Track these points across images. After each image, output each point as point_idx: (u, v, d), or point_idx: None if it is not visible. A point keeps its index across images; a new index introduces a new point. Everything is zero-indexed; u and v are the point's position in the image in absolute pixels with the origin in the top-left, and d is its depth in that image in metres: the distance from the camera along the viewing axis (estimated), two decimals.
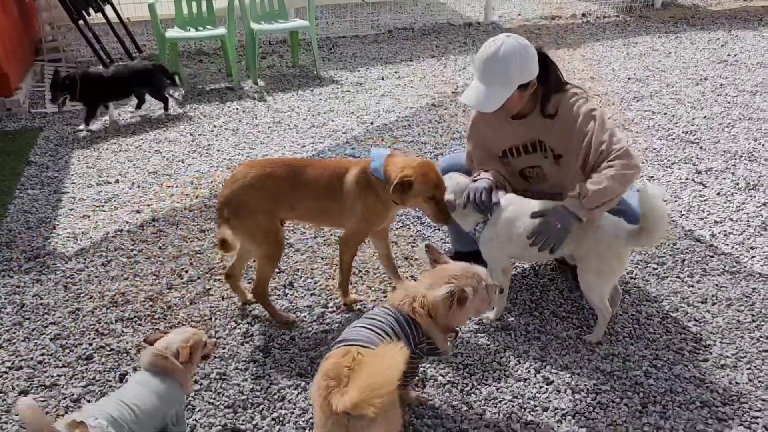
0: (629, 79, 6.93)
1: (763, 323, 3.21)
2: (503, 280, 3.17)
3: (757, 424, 2.65)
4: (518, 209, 3.03)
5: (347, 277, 3.33)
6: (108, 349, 3.11)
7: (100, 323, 3.28)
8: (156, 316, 3.34)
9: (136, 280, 3.64)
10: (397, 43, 8.57)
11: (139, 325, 3.28)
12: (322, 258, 3.81)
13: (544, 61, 3.00)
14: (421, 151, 5.17)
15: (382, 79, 7.09)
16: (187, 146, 5.37)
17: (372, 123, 5.79)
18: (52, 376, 2.93)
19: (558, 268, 3.67)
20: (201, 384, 2.90)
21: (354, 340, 2.31)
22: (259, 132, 5.65)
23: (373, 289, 3.54)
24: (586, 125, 2.90)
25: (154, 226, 4.18)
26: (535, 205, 3.01)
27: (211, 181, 4.76)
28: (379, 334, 2.34)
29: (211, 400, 2.81)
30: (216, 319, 3.32)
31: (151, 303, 3.45)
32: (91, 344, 3.14)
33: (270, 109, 6.23)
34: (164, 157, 5.19)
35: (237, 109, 6.25)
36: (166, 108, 6.17)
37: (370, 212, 3.07)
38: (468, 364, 2.99)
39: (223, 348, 3.12)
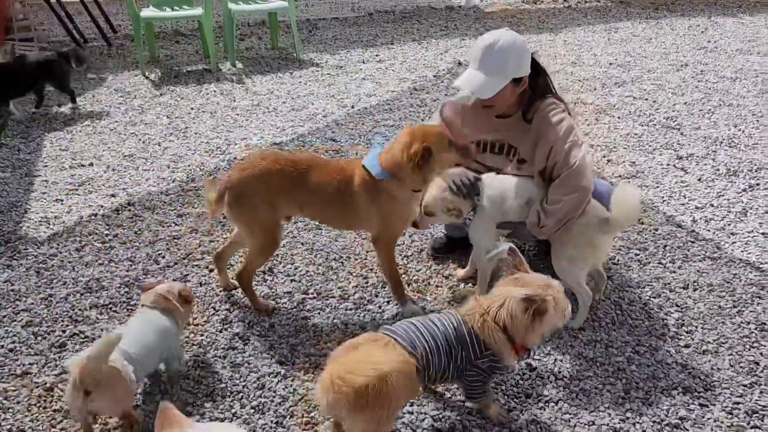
0: (611, 64, 6.91)
1: (744, 309, 3.21)
2: (489, 267, 3.14)
3: (739, 409, 2.65)
4: (501, 183, 3.09)
5: (397, 285, 3.15)
6: (82, 336, 3.03)
7: (73, 310, 3.19)
8: (132, 303, 3.26)
9: (111, 266, 3.55)
10: (378, 26, 8.47)
11: (115, 312, 3.20)
12: (302, 243, 3.74)
13: (536, 66, 3.03)
14: None
15: (363, 62, 7.00)
16: (163, 129, 5.26)
17: (353, 107, 5.71)
18: (24, 365, 2.84)
19: (542, 253, 3.64)
20: (179, 371, 2.83)
21: (393, 332, 2.30)
22: (237, 115, 5.54)
23: (354, 275, 3.49)
24: (552, 134, 2.96)
25: (129, 210, 4.08)
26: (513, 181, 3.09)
27: (189, 165, 4.66)
28: (422, 338, 2.30)
29: (190, 389, 2.74)
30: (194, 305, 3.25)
31: (126, 289, 3.36)
32: (64, 331, 3.05)
33: (248, 91, 6.13)
34: (140, 140, 5.07)
35: (215, 91, 6.14)
36: (73, 101, 5.70)
37: (388, 214, 2.95)
38: None
39: (202, 335, 3.05)
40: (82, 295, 3.30)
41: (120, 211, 4.07)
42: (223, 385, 2.76)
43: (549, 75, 3.11)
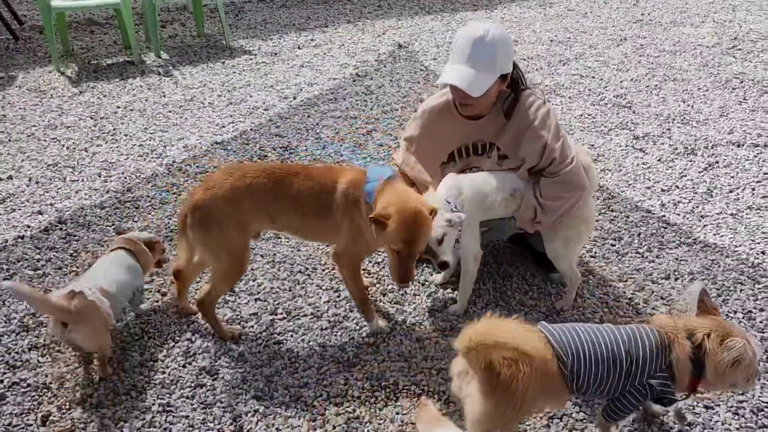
0: (551, 41, 6.81)
1: (728, 297, 3.14)
2: (474, 269, 2.95)
3: (744, 408, 2.56)
4: (479, 180, 2.90)
5: (362, 303, 2.91)
6: (24, 385, 2.65)
7: (9, 354, 2.79)
8: None
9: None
10: (309, 7, 8.07)
11: (58, 352, 2.82)
12: (262, 256, 3.43)
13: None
14: (352, 127, 4.82)
15: (299, 47, 6.62)
16: (88, 132, 4.77)
17: (294, 98, 5.37)
18: None
19: (517, 252, 3.47)
20: (143, 419, 2.51)
21: (549, 331, 2.16)
22: (169, 112, 5.10)
23: (323, 288, 3.22)
24: (541, 129, 2.80)
25: (61, 229, 3.65)
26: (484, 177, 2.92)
27: (122, 172, 4.23)
28: (579, 344, 2.12)
29: None
30: (149, 337, 2.90)
31: None
32: (1, 381, 2.66)
33: (179, 85, 5.67)
34: (63, 146, 4.58)
35: (141, 86, 5.65)
36: None
37: (357, 233, 2.67)
38: (441, 368, 2.75)
39: (163, 373, 2.72)
40: (17, 334, 2.90)
41: (50, 231, 3.63)
42: (195, 431, 2.46)
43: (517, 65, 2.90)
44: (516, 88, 2.87)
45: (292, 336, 2.92)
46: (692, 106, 5.20)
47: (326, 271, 3.33)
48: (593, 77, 5.82)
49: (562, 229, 2.92)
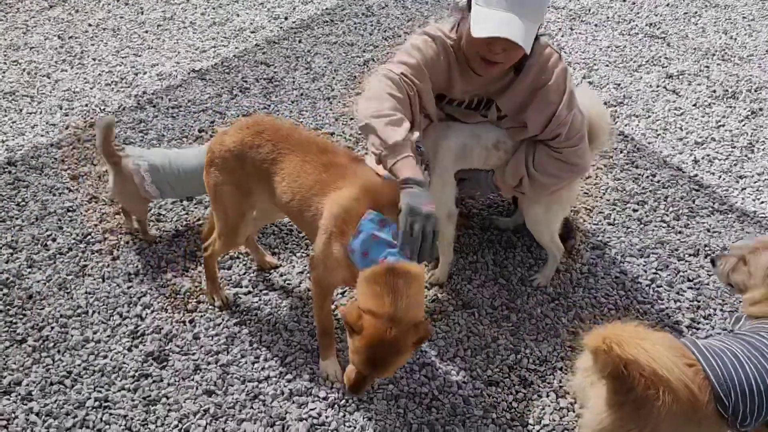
0: None
1: None
2: (450, 230, 2.54)
3: None
4: (458, 128, 2.45)
5: (321, 334, 2.30)
6: None
7: None
8: (11, 312, 2.53)
9: None
10: None
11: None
12: None
13: None
14: (348, 55, 4.27)
15: None
16: (54, 54, 4.26)
17: (287, 18, 4.77)
18: None
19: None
20: (75, 417, 2.17)
21: (704, 356, 1.78)
22: (145, 32, 4.55)
23: (297, 255, 2.81)
24: (554, 93, 2.25)
25: (10, 172, 3.23)
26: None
27: (86, 104, 3.76)
28: (744, 376, 1.73)
29: None
30: (93, 311, 2.54)
31: (5, 291, 2.61)
32: None
33: None
34: (24, 70, 4.09)
35: (118, 0, 5.06)
36: None
37: (331, 262, 2.04)
38: (425, 363, 2.37)
39: (104, 357, 2.37)
40: None
41: None
42: None
43: None
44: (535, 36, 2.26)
45: (256, 315, 2.53)
46: (735, 39, 4.57)
47: (303, 234, 2.91)
48: (624, 1, 5.14)
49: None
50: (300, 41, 4.43)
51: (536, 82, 2.25)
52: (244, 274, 2.71)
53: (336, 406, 2.22)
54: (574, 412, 2.22)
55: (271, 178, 2.12)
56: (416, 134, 2.02)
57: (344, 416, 2.20)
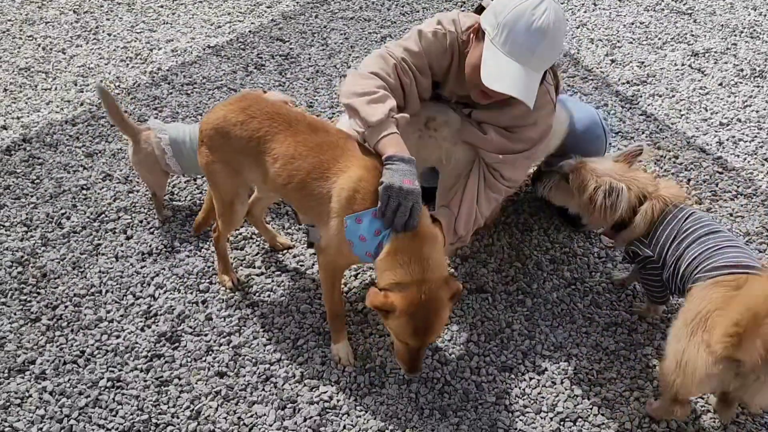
0: None
1: None
2: None
3: None
4: None
5: (332, 318, 2.28)
6: None
7: None
8: (25, 291, 2.54)
9: (0, 234, 2.77)
10: None
11: (4, 305, 2.48)
12: None
13: None
14: (365, 31, 4.20)
15: None
16: (69, 29, 4.24)
17: None
18: None
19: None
20: (88, 396, 2.18)
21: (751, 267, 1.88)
22: (161, 7, 4.51)
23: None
24: (527, 142, 2.22)
25: (25, 149, 3.23)
26: None
27: (101, 80, 3.74)
28: None
29: (101, 421, 2.11)
30: (107, 291, 2.54)
31: (20, 269, 2.62)
32: None
33: None
34: (39, 45, 4.07)
35: None
36: None
37: (342, 243, 2.01)
38: (438, 347, 2.34)
39: (117, 337, 2.37)
40: None
41: (12, 151, 3.22)
42: (145, 416, 2.13)
43: None
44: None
45: (269, 296, 2.52)
46: (765, 16, 4.42)
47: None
48: None
49: None
50: (316, 16, 4.36)
51: (520, 120, 2.18)
52: (257, 254, 2.69)
53: (348, 389, 2.21)
54: (588, 399, 2.19)
55: (261, 157, 2.08)
56: (404, 114, 2.00)
57: (356, 400, 2.18)
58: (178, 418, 2.13)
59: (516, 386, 2.23)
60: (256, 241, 2.74)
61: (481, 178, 2.25)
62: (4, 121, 3.42)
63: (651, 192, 2.12)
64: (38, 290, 2.54)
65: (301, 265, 2.64)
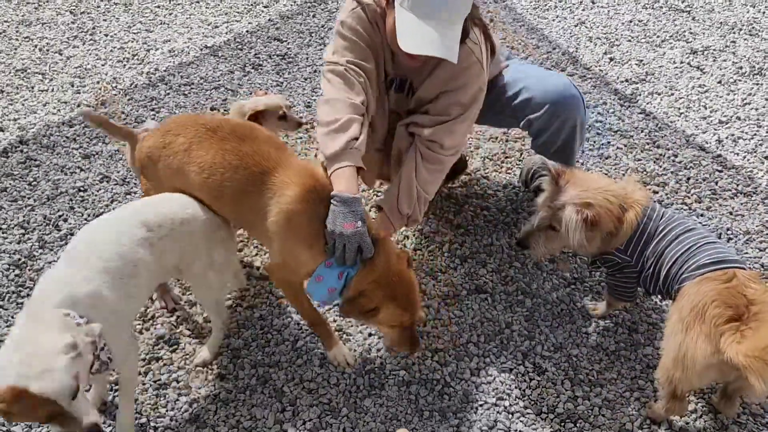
0: None
1: None
2: None
3: None
4: None
5: (315, 326, 2.26)
6: None
7: None
8: (23, 294, 2.52)
9: None
10: None
11: (1, 308, 2.46)
12: None
13: None
14: None
15: None
16: (66, 30, 4.22)
17: None
18: None
19: None
20: None
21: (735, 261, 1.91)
22: (158, 7, 4.49)
23: None
24: (455, 108, 2.22)
25: (21, 151, 3.21)
26: None
27: (98, 81, 3.72)
28: None
29: None
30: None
31: (17, 272, 2.61)
32: None
33: None
34: (36, 46, 4.05)
35: None
36: None
37: (292, 259, 2.04)
38: (438, 349, 2.33)
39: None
40: None
41: (9, 153, 3.20)
42: (143, 419, 2.11)
43: None
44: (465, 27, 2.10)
45: (267, 299, 2.51)
46: (764, 13, 4.41)
47: None
48: None
49: None
50: (314, 16, 4.35)
51: (451, 83, 2.19)
52: (256, 255, 2.68)
53: (347, 391, 2.20)
54: (589, 400, 2.18)
55: (187, 168, 2.07)
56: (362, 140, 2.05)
57: (355, 402, 2.17)
58: (176, 421, 2.12)
59: (516, 387, 2.22)
60: (255, 243, 2.73)
61: (418, 154, 2.25)
62: (1, 122, 3.40)
63: (627, 200, 2.08)
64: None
65: None
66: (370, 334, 2.38)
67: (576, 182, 2.08)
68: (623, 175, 3.07)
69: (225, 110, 3.43)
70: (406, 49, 1.96)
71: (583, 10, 4.42)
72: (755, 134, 3.33)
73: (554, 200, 2.09)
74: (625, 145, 3.24)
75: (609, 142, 3.26)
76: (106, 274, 1.79)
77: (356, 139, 2.01)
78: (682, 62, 3.91)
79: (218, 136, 2.04)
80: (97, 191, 2.98)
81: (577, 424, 2.11)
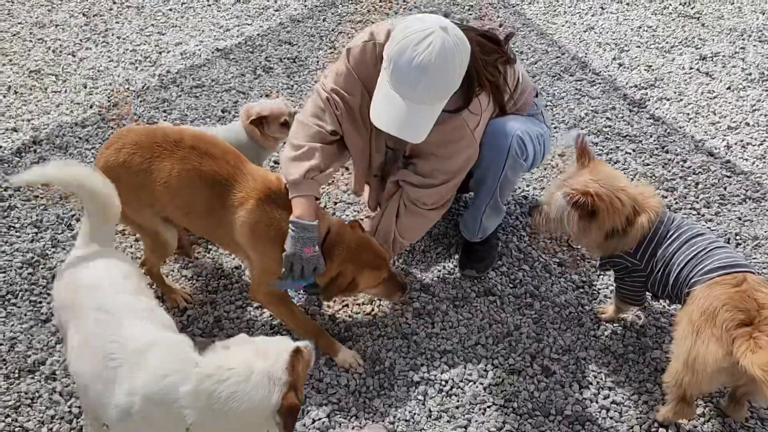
0: None
1: None
2: None
3: None
4: None
5: (312, 335, 2.21)
6: None
7: None
8: (36, 292, 2.55)
9: (10, 235, 2.79)
10: None
11: (14, 305, 2.49)
12: None
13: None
14: None
15: None
16: (79, 32, 4.26)
17: None
18: None
19: None
20: None
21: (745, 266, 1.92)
22: (170, 10, 4.53)
23: None
24: (441, 175, 2.22)
25: (35, 151, 3.25)
26: None
27: (110, 83, 3.76)
28: None
29: None
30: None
31: (30, 270, 2.64)
32: None
33: None
34: (49, 48, 4.10)
35: None
36: None
37: (271, 261, 2.12)
38: (446, 350, 2.35)
39: None
40: None
41: (23, 153, 3.24)
42: None
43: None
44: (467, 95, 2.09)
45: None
46: None
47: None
48: None
49: None
50: (324, 19, 4.38)
51: (440, 150, 2.18)
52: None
53: (357, 392, 2.22)
54: (597, 403, 2.19)
55: (152, 187, 2.13)
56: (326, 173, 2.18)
57: (365, 402, 2.19)
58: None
59: (524, 389, 2.23)
60: None
61: (402, 204, 2.30)
62: (15, 123, 3.44)
63: (641, 203, 2.07)
64: (48, 291, 2.55)
65: None
66: (379, 336, 2.40)
67: (594, 171, 2.08)
68: (632, 179, 3.08)
69: (235, 113, 3.46)
70: (372, 120, 1.97)
71: (593, 15, 4.44)
72: (764, 140, 3.33)
73: (567, 180, 2.10)
74: (634, 150, 3.25)
75: (618, 147, 3.27)
76: None
77: (316, 168, 2.09)
78: (691, 68, 3.92)
79: (178, 155, 2.11)
80: None
81: (585, 427, 2.12)
